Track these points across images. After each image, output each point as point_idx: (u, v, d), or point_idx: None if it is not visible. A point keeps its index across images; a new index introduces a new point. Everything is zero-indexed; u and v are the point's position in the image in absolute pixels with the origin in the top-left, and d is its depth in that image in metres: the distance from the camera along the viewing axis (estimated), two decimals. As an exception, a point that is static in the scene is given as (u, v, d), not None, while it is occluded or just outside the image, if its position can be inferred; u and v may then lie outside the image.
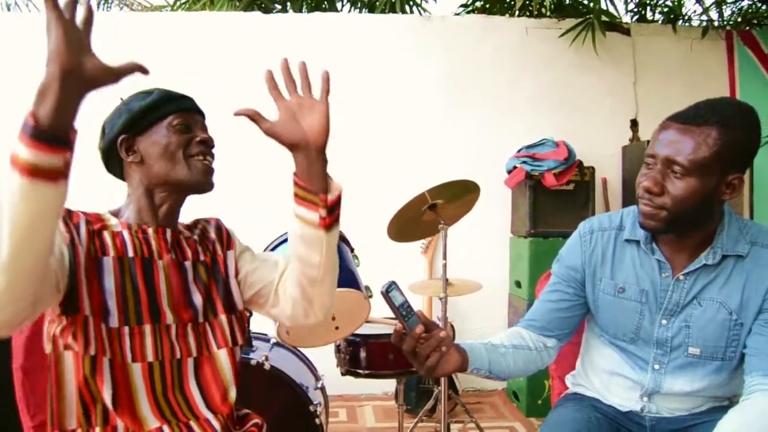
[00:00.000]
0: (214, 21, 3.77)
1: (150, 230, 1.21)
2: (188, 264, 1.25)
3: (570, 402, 1.53)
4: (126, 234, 1.18)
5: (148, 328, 1.15)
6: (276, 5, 4.37)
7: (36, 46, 3.62)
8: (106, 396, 1.10)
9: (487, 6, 4.43)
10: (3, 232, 0.84)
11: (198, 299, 1.24)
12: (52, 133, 0.83)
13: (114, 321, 1.11)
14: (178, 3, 4.54)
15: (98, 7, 5.16)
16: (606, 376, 1.50)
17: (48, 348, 1.12)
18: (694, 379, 1.38)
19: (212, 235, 1.34)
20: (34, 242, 0.87)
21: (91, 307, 1.09)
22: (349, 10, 4.58)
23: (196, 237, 1.31)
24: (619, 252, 1.44)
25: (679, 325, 1.37)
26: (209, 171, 1.24)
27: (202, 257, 1.29)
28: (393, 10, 4.01)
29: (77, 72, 0.85)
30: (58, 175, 0.85)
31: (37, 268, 0.91)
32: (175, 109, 1.23)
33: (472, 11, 4.48)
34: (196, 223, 1.36)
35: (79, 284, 1.08)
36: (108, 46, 3.77)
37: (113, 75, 0.91)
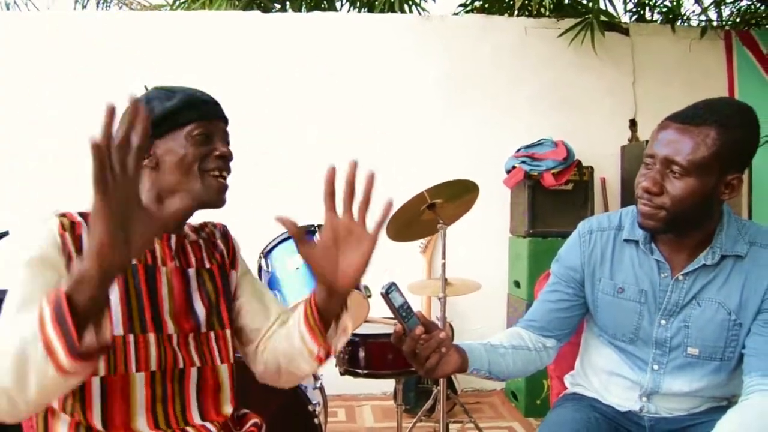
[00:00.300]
0: (214, 20, 3.77)
1: None
2: (192, 271, 1.23)
3: (569, 402, 1.53)
4: None
5: (152, 337, 1.13)
6: (275, 5, 4.37)
7: (35, 45, 3.62)
8: (96, 420, 1.07)
9: (486, 6, 4.43)
10: (27, 391, 0.84)
11: (201, 309, 1.22)
12: (93, 352, 0.81)
13: (119, 329, 1.09)
14: (177, 2, 4.54)
15: (97, 7, 5.15)
16: (605, 376, 1.50)
17: None
18: (693, 380, 1.38)
19: (220, 244, 1.32)
20: (54, 398, 0.93)
21: None
22: (349, 10, 4.58)
23: (201, 241, 1.28)
24: (618, 252, 1.44)
25: (678, 325, 1.37)
26: (223, 189, 1.20)
27: (207, 265, 1.26)
28: (392, 10, 4.01)
29: (120, 269, 0.82)
30: (89, 372, 0.86)
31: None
32: (196, 118, 1.17)
33: (471, 11, 4.48)
34: (203, 226, 1.33)
35: None
36: (107, 45, 3.75)
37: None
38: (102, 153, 0.74)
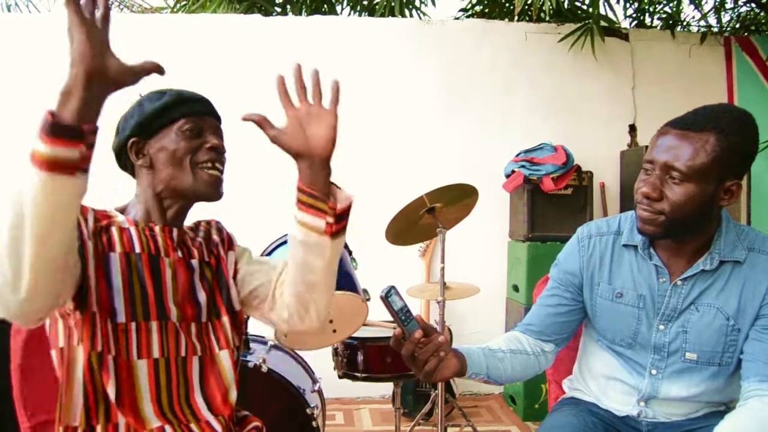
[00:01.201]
0: (214, 23, 3.78)
1: (157, 228, 1.21)
2: (195, 262, 1.25)
3: (567, 406, 1.53)
4: (133, 230, 1.18)
5: (154, 325, 1.15)
6: (276, 8, 4.38)
7: (36, 47, 3.62)
8: (110, 392, 1.10)
9: (487, 11, 4.45)
10: (26, 229, 0.86)
11: (203, 297, 1.24)
12: (70, 128, 0.86)
13: (121, 317, 1.11)
14: (178, 5, 4.55)
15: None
16: (603, 381, 1.50)
17: (62, 342, 1.11)
18: (691, 385, 1.38)
19: (215, 237, 1.34)
20: (57, 235, 0.90)
21: (99, 303, 1.09)
22: (349, 14, 4.59)
23: (200, 239, 1.30)
24: (616, 257, 1.45)
25: (676, 330, 1.37)
26: (216, 181, 1.22)
27: (207, 258, 1.28)
28: (393, 14, 4.02)
29: (101, 73, 0.89)
30: (76, 167, 0.88)
31: (61, 261, 0.93)
32: (186, 112, 1.21)
33: (472, 15, 4.50)
34: (198, 224, 1.35)
35: (87, 280, 1.08)
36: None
37: (133, 75, 0.94)
38: None
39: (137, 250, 1.16)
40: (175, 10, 4.57)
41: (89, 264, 1.08)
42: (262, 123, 1.14)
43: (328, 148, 1.15)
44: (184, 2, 4.48)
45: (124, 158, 1.25)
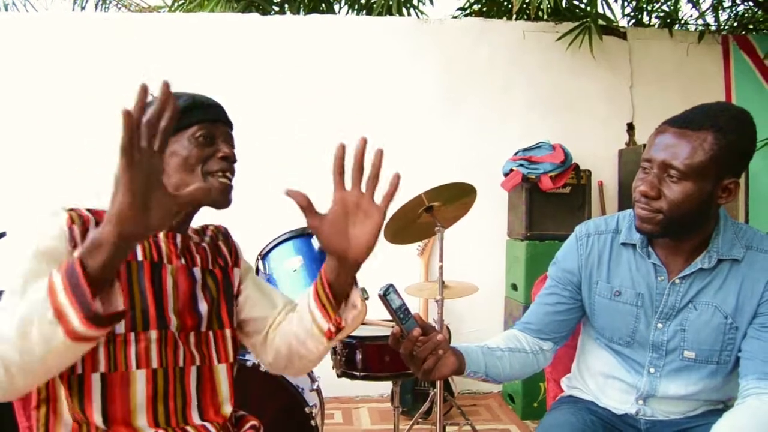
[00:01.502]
0: (212, 22, 3.77)
1: (161, 234, 1.19)
2: (197, 270, 1.23)
3: (565, 405, 1.54)
4: None
5: (153, 334, 1.12)
6: (274, 7, 4.37)
7: (34, 46, 3.62)
8: (96, 417, 1.07)
9: (485, 9, 4.44)
10: (25, 365, 0.86)
11: (204, 307, 1.22)
12: (109, 318, 0.84)
13: (120, 327, 1.08)
14: (175, 4, 4.54)
15: (96, 8, 5.15)
16: (601, 379, 1.50)
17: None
18: (689, 383, 1.39)
19: (222, 246, 1.33)
20: (56, 371, 0.92)
21: None
22: (347, 13, 4.58)
23: (205, 244, 1.29)
24: (615, 255, 1.45)
25: (674, 328, 1.37)
26: (227, 189, 1.20)
27: (211, 266, 1.27)
28: (390, 13, 4.01)
29: (138, 236, 0.85)
30: (98, 340, 0.88)
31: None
32: (200, 119, 1.19)
33: (470, 14, 4.49)
34: (205, 228, 1.34)
35: None
36: (105, 47, 3.75)
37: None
38: (132, 123, 0.79)
39: (139, 257, 1.14)
40: (173, 9, 4.56)
41: None
42: (305, 208, 1.08)
43: (366, 254, 1.11)
44: (182, 1, 4.47)
45: None
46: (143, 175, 0.82)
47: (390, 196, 1.09)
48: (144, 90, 0.80)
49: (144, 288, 1.13)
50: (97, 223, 1.12)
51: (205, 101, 1.23)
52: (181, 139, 1.17)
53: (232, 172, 1.22)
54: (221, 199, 1.19)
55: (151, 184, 0.83)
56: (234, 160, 1.22)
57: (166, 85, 0.83)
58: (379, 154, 1.07)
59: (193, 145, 1.17)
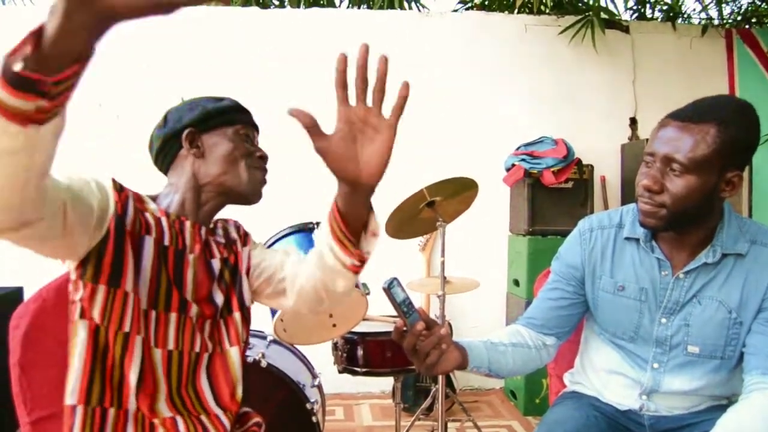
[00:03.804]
0: (212, 16, 3.76)
1: (188, 223, 1.21)
2: (215, 262, 1.26)
3: (568, 400, 1.53)
4: (164, 221, 1.18)
5: (173, 316, 1.16)
6: (274, 1, 4.36)
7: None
8: (132, 377, 1.09)
9: (486, 2, 4.42)
10: None
11: (219, 298, 1.25)
12: (27, 81, 0.66)
13: (144, 303, 1.11)
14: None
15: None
16: (605, 375, 1.49)
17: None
18: (693, 378, 1.38)
19: (233, 235, 1.35)
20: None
21: (133, 284, 1.09)
22: (348, 6, 4.57)
23: (221, 239, 1.32)
24: (618, 250, 1.44)
25: (678, 323, 1.37)
26: (263, 183, 1.28)
27: (226, 255, 1.30)
28: (391, 6, 4.00)
29: (83, 11, 0.63)
30: (28, 120, 0.70)
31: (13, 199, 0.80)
32: (244, 121, 1.27)
33: (471, 8, 4.47)
34: (215, 224, 1.35)
35: (125, 257, 1.08)
36: (105, 40, 3.71)
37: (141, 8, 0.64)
38: None
39: (166, 242, 1.17)
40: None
41: (127, 243, 1.08)
42: (311, 128, 0.98)
43: (379, 175, 1.02)
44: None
45: (168, 147, 1.25)
46: None
47: (399, 108, 0.99)
48: None
49: (167, 272, 1.16)
50: (134, 199, 1.16)
51: (246, 108, 1.31)
52: (227, 132, 1.24)
53: (266, 172, 1.30)
54: (258, 190, 1.27)
55: None
56: (267, 160, 1.30)
57: None
58: (384, 61, 0.95)
59: (239, 140, 1.25)
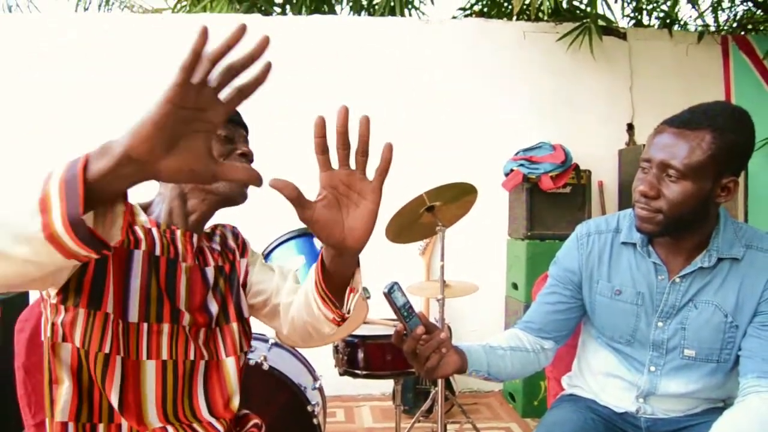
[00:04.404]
0: (214, 23, 3.77)
1: (178, 232, 1.20)
2: (209, 270, 1.24)
3: (566, 403, 1.54)
4: (155, 232, 1.17)
5: (166, 327, 1.14)
6: (276, 8, 4.38)
7: (37, 47, 3.63)
8: (113, 397, 1.08)
9: (485, 10, 4.45)
10: None
11: (214, 306, 1.23)
12: (98, 242, 0.72)
13: (134, 316, 1.10)
14: (178, 5, 4.55)
15: (99, 9, 5.16)
16: (602, 378, 1.51)
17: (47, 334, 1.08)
18: (690, 381, 1.39)
19: (231, 242, 1.34)
20: (11, 277, 0.78)
21: (114, 304, 1.07)
22: (349, 13, 4.59)
23: (216, 245, 1.30)
24: (615, 254, 1.46)
25: (674, 327, 1.38)
26: (246, 185, 1.22)
27: (221, 263, 1.28)
28: (392, 14, 4.02)
29: (142, 165, 0.70)
30: (79, 258, 0.75)
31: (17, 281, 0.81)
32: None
33: (471, 15, 4.50)
34: (214, 229, 1.35)
35: (106, 279, 1.06)
36: (109, 48, 3.75)
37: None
38: (197, 57, 0.70)
39: (157, 252, 1.15)
40: (175, 10, 4.56)
41: (110, 263, 1.07)
42: (294, 199, 0.92)
43: (365, 240, 0.98)
44: (185, 3, 4.48)
45: None
46: (186, 116, 0.71)
47: (383, 170, 0.94)
48: (241, 29, 0.72)
49: (159, 282, 1.14)
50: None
51: None
52: None
53: None
54: (240, 193, 1.22)
55: (187, 130, 0.72)
56: (252, 159, 1.25)
57: (265, 38, 0.71)
58: (365, 122, 0.90)
59: (216, 141, 1.19)
